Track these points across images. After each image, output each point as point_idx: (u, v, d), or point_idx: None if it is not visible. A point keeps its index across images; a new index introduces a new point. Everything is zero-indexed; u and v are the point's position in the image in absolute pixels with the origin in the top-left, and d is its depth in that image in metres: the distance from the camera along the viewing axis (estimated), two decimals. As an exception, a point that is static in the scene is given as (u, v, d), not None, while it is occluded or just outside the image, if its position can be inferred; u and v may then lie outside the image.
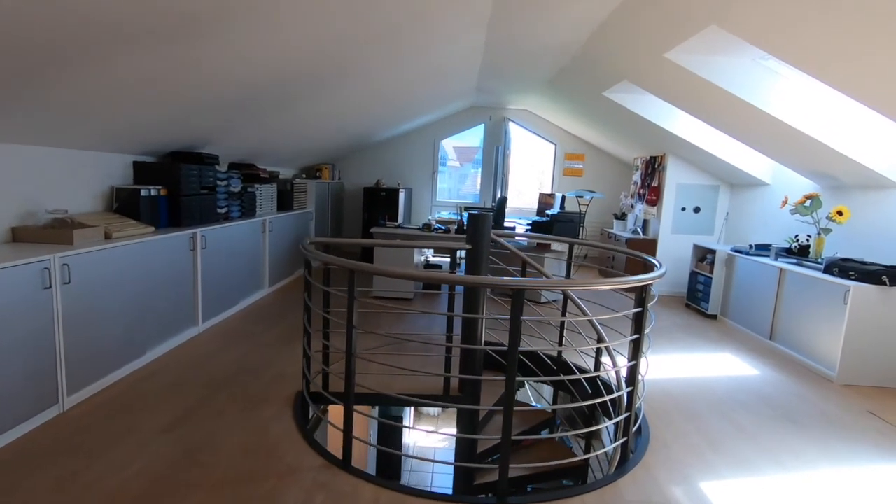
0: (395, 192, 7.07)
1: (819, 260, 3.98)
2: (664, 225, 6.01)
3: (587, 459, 2.67)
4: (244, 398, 2.78)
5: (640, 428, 2.68)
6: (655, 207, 6.13)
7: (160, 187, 3.51)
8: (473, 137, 8.20)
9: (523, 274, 3.33)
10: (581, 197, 5.57)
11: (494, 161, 7.55)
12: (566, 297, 3.16)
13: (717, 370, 3.64)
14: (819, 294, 3.73)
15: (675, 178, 5.94)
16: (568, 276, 3.49)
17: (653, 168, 6.27)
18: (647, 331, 2.58)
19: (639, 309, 2.20)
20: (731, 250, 4.91)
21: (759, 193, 5.37)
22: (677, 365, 3.69)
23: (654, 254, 6.08)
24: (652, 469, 2.32)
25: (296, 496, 1.97)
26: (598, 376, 3.13)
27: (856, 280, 3.47)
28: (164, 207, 3.55)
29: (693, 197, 5.99)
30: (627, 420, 2.30)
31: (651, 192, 6.18)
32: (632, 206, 6.78)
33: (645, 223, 6.44)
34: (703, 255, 5.36)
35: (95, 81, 2.22)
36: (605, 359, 3.10)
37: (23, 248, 2.49)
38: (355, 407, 2.19)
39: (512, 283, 2.06)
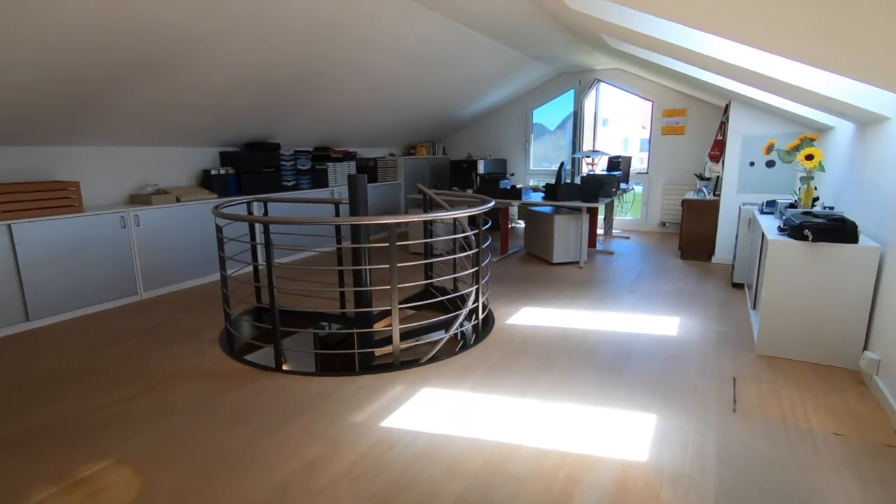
0: (474, 163, 7.75)
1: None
2: (727, 183, 5.24)
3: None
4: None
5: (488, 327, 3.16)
6: (719, 164, 5.36)
7: (229, 168, 5.23)
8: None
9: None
10: (588, 157, 5.34)
11: (573, 126, 7.46)
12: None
13: (632, 327, 3.50)
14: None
15: (740, 127, 5.10)
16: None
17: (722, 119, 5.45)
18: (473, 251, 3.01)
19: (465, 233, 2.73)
20: (756, 210, 4.19)
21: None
22: (602, 320, 3.67)
23: (714, 217, 5.37)
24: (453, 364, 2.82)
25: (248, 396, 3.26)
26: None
27: (786, 235, 2.91)
28: (233, 182, 5.27)
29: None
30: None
31: (715, 146, 5.41)
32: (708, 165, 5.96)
33: (717, 183, 5.64)
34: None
35: (181, 97, 3.86)
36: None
37: (129, 206, 4.39)
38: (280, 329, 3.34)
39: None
